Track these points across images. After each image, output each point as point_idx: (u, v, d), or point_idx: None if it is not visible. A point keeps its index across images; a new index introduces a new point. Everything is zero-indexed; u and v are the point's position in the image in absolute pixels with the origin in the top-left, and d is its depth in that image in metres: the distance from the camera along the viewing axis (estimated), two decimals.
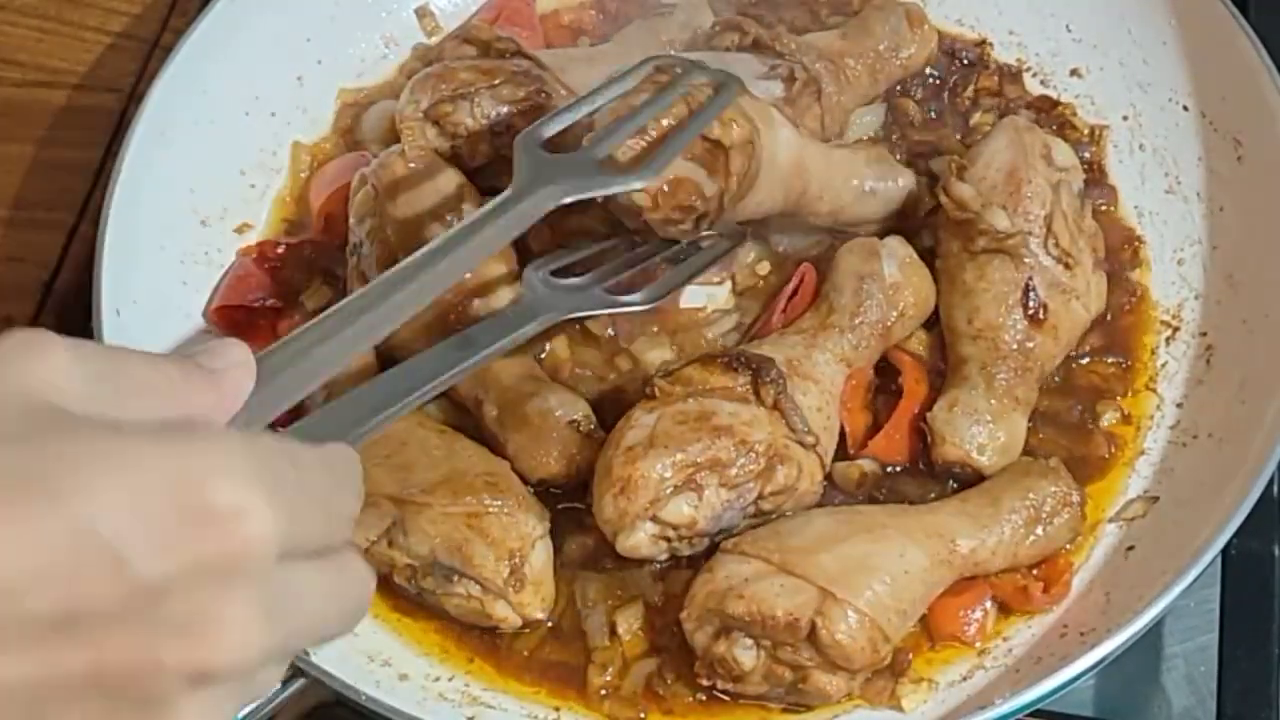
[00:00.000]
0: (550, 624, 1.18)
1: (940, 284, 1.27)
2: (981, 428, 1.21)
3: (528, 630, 1.18)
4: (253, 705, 1.09)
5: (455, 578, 1.15)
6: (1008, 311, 1.23)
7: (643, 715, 1.14)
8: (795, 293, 1.29)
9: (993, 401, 1.21)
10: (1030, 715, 1.09)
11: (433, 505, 1.15)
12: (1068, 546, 1.19)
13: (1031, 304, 1.23)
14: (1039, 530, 1.17)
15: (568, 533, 1.21)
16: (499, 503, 1.15)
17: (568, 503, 1.22)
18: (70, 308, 1.41)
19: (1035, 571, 1.18)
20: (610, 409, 1.22)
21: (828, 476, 1.21)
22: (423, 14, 1.54)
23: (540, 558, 1.16)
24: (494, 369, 1.23)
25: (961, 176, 1.26)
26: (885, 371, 1.27)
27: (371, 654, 1.18)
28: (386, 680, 1.16)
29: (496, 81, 1.35)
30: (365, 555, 1.17)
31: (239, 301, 1.34)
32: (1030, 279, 1.23)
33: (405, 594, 1.19)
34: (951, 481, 1.23)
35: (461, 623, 1.18)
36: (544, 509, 1.19)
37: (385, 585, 1.20)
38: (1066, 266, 1.24)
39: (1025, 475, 1.19)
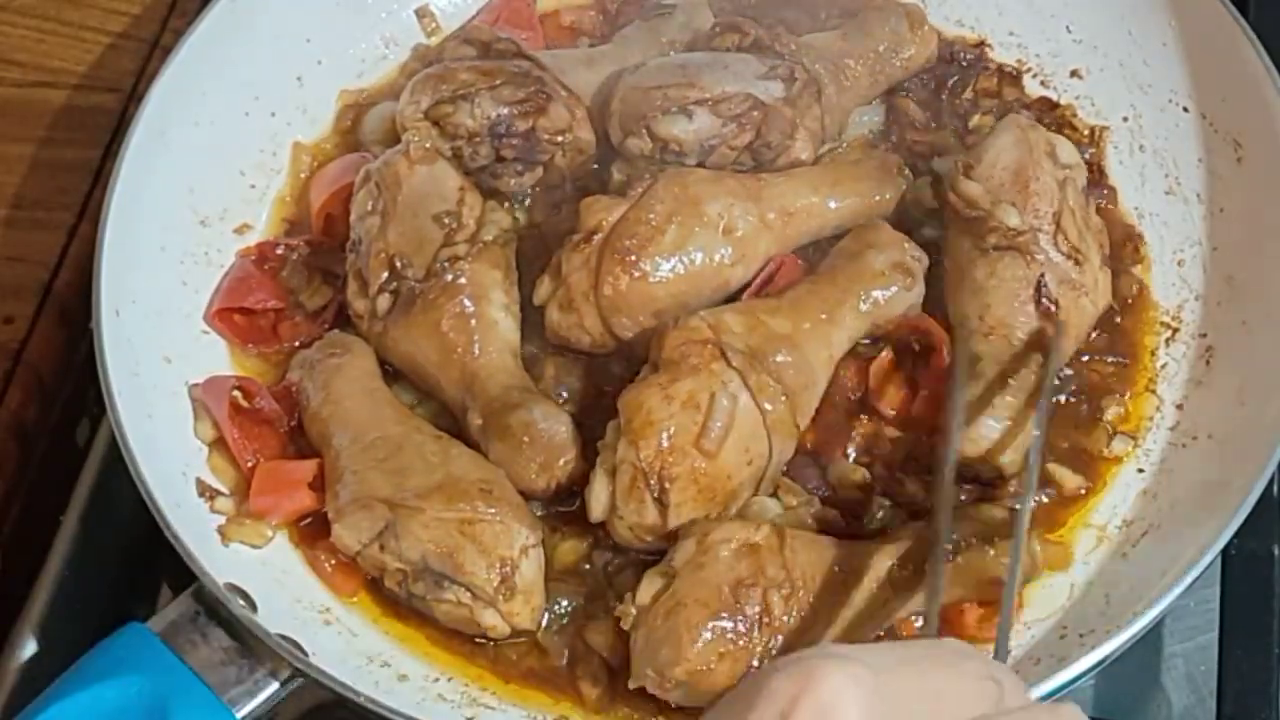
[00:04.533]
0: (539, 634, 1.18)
1: (949, 281, 1.27)
2: (998, 423, 1.20)
3: (517, 639, 1.17)
4: (252, 705, 1.10)
5: (445, 584, 1.14)
6: (1020, 307, 1.23)
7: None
8: (770, 280, 1.29)
9: (1008, 398, 1.21)
10: None
11: (426, 510, 1.15)
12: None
13: (1044, 300, 1.23)
14: None
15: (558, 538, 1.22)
16: (492, 510, 1.15)
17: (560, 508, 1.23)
18: (70, 308, 1.41)
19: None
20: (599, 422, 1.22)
21: (828, 482, 1.22)
22: (423, 14, 1.54)
23: (531, 567, 1.16)
24: (482, 377, 1.23)
25: (969, 175, 1.26)
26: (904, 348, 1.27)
27: (370, 655, 1.18)
28: (385, 681, 1.16)
29: (497, 82, 1.35)
30: (357, 559, 1.18)
31: (239, 304, 1.34)
32: (1042, 275, 1.23)
33: (396, 599, 1.19)
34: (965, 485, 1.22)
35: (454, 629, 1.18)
36: (536, 519, 1.19)
37: (379, 589, 1.20)
38: (1076, 262, 1.24)
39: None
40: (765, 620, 1.08)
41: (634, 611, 1.10)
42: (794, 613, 1.09)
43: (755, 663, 1.08)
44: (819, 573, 1.11)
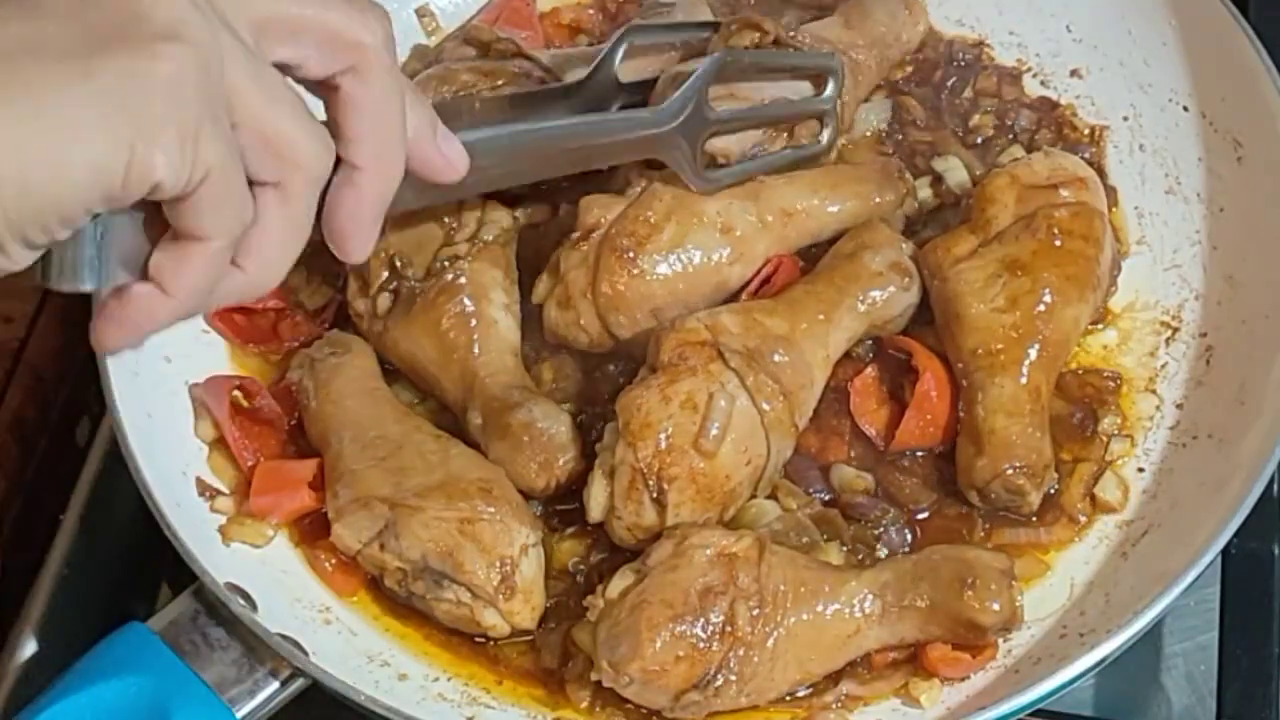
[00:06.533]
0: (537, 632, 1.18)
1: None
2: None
3: (516, 639, 1.17)
4: (252, 705, 1.10)
5: (445, 583, 1.14)
6: None
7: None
8: (767, 281, 1.29)
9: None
10: (1030, 715, 1.09)
11: (426, 509, 1.15)
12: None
13: None
14: None
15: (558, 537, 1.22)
16: (492, 509, 1.15)
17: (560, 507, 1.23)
18: (70, 308, 1.41)
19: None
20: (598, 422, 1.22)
21: (830, 485, 1.22)
22: (423, 14, 1.54)
23: (531, 567, 1.16)
24: (481, 376, 1.23)
25: None
26: (890, 366, 1.27)
27: (371, 654, 1.18)
28: (385, 680, 1.16)
29: (498, 82, 1.35)
30: (357, 558, 1.18)
31: (239, 303, 1.34)
32: None
33: (396, 598, 1.19)
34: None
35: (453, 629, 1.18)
36: (536, 518, 1.19)
37: (379, 589, 1.20)
38: None
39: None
40: (728, 630, 1.08)
41: (601, 604, 1.10)
42: (759, 627, 1.09)
43: (713, 671, 1.08)
44: (792, 592, 1.10)
